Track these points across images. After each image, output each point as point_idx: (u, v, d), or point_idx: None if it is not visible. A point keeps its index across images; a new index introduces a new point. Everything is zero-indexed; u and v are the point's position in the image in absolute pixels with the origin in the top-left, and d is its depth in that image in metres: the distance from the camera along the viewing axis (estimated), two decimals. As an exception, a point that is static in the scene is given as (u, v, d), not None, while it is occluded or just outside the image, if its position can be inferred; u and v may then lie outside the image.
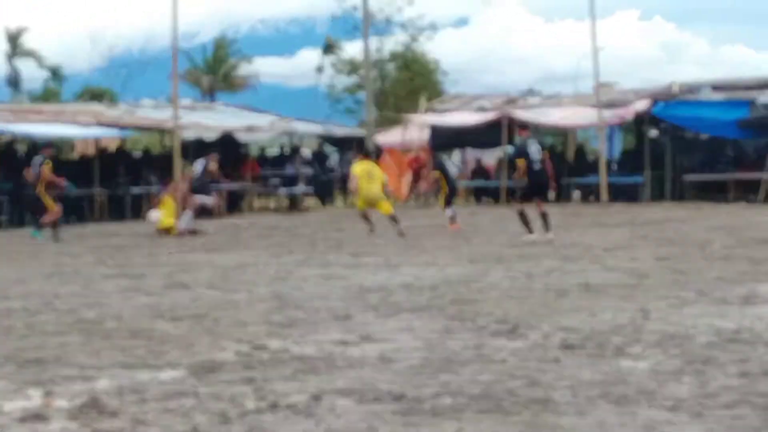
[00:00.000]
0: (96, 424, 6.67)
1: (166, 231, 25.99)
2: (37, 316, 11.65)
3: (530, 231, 21.15)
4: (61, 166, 36.26)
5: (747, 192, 35.77)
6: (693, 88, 39.44)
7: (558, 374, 7.97)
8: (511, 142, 40.81)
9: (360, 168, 24.63)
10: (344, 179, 44.26)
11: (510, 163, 22.07)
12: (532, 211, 21.45)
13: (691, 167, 38.67)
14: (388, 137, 49.67)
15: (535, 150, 21.60)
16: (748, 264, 16.01)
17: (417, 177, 43.55)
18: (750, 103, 37.15)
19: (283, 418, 6.73)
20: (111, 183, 34.77)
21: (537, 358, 8.63)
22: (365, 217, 24.81)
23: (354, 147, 44.26)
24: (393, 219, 24.18)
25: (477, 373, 8.04)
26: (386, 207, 24.66)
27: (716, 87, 39.40)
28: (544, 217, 21.24)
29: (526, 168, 21.37)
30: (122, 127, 36.64)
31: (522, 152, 21.75)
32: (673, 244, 19.70)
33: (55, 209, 25.07)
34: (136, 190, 35.22)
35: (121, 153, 39.19)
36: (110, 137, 38.42)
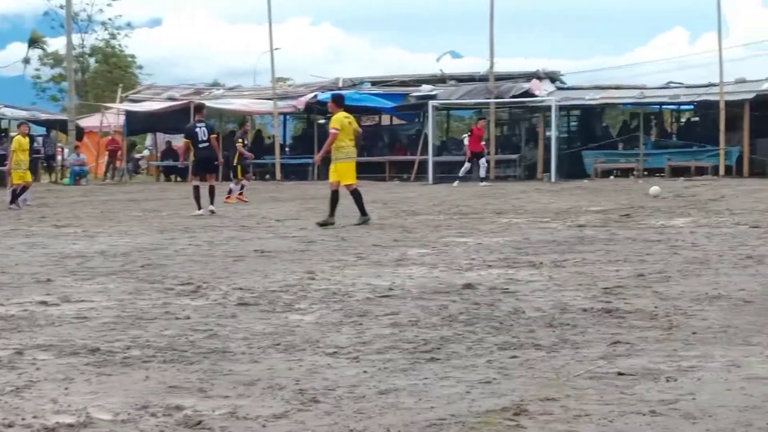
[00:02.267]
0: None
1: None
2: None
3: (199, 207, 20.93)
4: None
5: (400, 172, 36.73)
6: (356, 83, 40.47)
7: (234, 328, 7.92)
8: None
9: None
10: (48, 158, 43.35)
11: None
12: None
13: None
14: (89, 122, 48.82)
15: (201, 132, 21.40)
16: (400, 232, 16.42)
17: (113, 157, 43.09)
18: (404, 96, 38.67)
19: (-15, 372, 6.43)
20: None
21: (216, 315, 8.56)
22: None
23: (57, 129, 43.26)
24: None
25: (163, 328, 7.90)
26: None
27: (375, 82, 40.58)
28: (211, 191, 21.11)
29: (193, 147, 21.33)
30: None
31: (190, 133, 21.59)
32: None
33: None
34: None
35: None
36: None
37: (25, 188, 25.31)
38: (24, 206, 24.74)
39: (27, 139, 26.15)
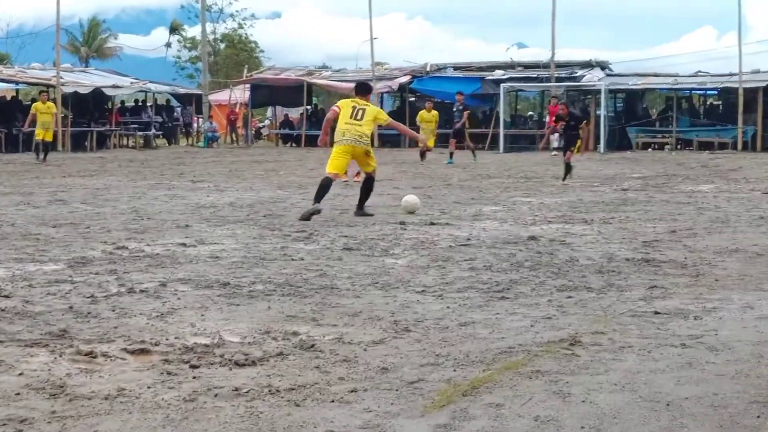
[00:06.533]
0: (-4, 303, 6.43)
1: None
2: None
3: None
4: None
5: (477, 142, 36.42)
6: (440, 68, 40.53)
7: (341, 268, 8.04)
8: (309, 102, 41.48)
9: None
10: (186, 125, 44.09)
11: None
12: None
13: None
14: (219, 96, 49.34)
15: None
16: (477, 192, 16.43)
17: (233, 125, 44.19)
18: (481, 80, 38.52)
19: (137, 299, 6.65)
20: (8, 124, 33.23)
21: (326, 257, 8.69)
22: None
23: (193, 102, 43.73)
24: None
25: (281, 268, 8.05)
26: None
27: (457, 67, 40.52)
28: None
29: None
30: (17, 82, 36.63)
31: None
32: (425, 178, 20.05)
33: None
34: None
35: (16, 101, 37.45)
36: (7, 89, 37.60)
37: (46, 144, 25.85)
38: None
39: (47, 105, 26.37)
